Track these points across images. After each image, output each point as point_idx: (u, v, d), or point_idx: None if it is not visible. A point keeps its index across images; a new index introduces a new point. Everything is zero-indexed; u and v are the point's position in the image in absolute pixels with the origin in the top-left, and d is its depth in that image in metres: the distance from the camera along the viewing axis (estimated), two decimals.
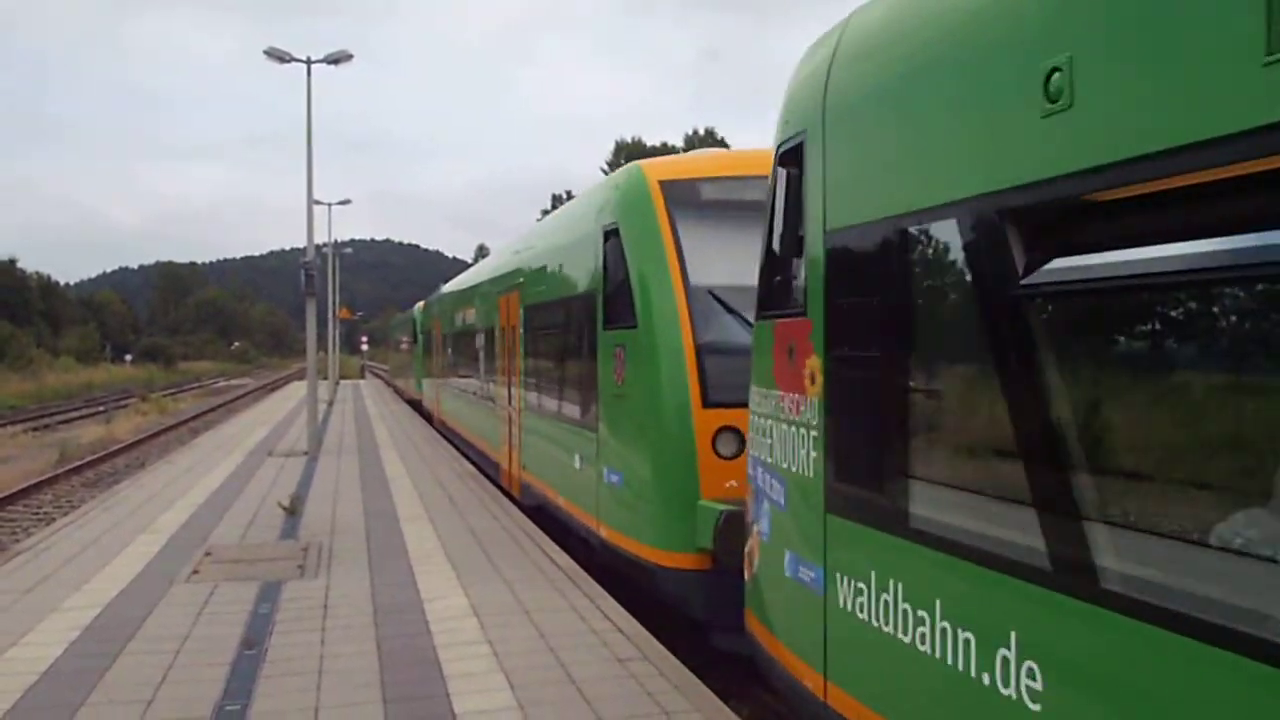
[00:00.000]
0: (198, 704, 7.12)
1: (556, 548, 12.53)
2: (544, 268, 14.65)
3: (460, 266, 76.86)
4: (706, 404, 9.27)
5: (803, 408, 5.68)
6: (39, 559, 12.06)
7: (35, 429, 39.76)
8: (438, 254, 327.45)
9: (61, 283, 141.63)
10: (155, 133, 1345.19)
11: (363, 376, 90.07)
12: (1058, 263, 3.70)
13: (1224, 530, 3.10)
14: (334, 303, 61.49)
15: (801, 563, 5.77)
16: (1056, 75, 3.62)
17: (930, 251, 4.63)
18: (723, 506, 8.76)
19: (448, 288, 31.48)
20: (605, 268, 10.99)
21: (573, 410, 12.46)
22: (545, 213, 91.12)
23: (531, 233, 17.69)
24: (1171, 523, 3.37)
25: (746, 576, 6.95)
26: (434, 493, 17.62)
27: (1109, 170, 3.40)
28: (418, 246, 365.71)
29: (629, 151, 76.66)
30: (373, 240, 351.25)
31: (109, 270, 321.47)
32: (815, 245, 5.54)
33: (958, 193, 4.25)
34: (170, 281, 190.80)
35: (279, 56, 24.94)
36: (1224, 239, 3.04)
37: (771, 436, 6.27)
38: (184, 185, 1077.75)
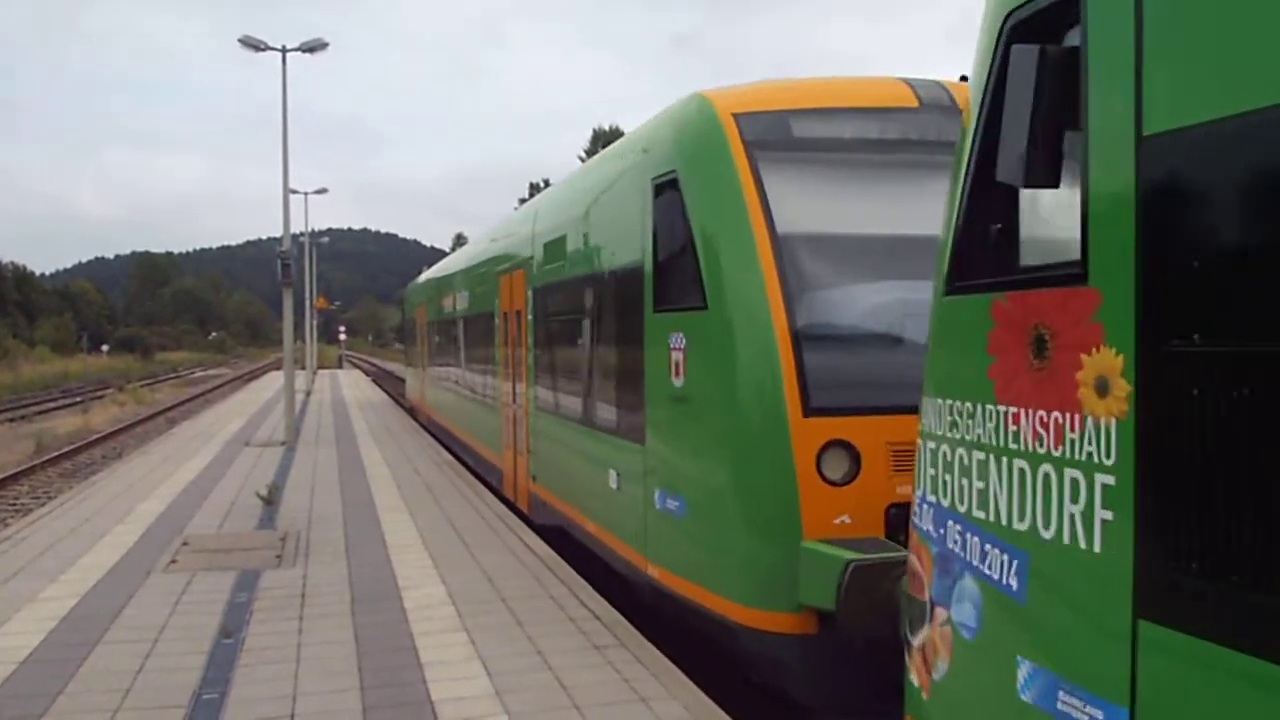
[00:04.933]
0: (176, 693, 7.17)
1: (534, 536, 12.61)
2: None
3: (438, 255, 76.57)
4: (808, 411, 6.98)
5: (1076, 436, 3.58)
6: (16, 549, 12.04)
7: (11, 420, 39.48)
8: (415, 243, 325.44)
9: (37, 273, 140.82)
10: (130, 122, 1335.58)
11: (340, 366, 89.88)
12: None
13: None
14: (311, 292, 61.18)
15: (1068, 689, 3.64)
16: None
17: None
18: (846, 554, 6.38)
19: None
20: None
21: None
22: (523, 201, 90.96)
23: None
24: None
25: (915, 681, 4.76)
26: (412, 482, 17.64)
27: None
28: (395, 235, 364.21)
29: (606, 139, 76.52)
30: (350, 229, 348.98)
31: (85, 260, 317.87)
32: (1112, 164, 3.39)
33: None
34: (147, 271, 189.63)
35: (254, 45, 24.83)
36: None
37: (984, 477, 4.13)
38: (160, 175, 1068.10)
